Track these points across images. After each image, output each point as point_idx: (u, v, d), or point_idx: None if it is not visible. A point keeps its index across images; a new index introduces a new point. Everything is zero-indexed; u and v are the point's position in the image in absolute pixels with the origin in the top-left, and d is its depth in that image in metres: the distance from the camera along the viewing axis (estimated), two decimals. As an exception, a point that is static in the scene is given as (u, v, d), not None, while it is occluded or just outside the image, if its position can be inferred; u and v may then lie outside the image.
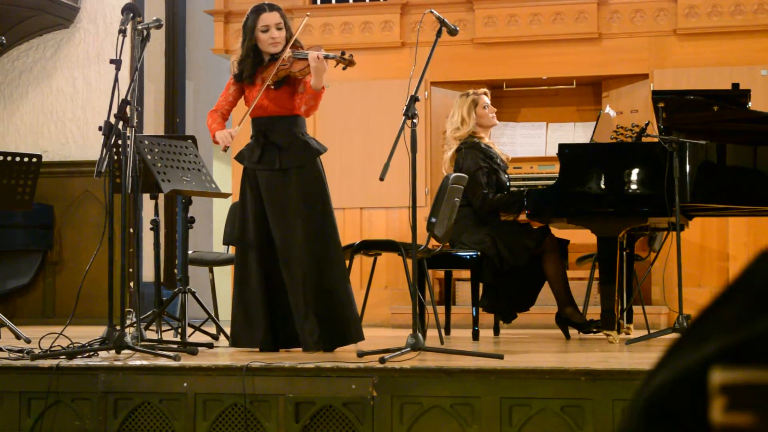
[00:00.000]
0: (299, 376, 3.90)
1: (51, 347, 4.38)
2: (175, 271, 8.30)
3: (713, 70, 7.21)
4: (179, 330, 5.22)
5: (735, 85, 5.56)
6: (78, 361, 4.12)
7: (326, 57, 4.65)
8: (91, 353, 4.28)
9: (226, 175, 8.81)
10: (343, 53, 4.72)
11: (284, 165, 4.76)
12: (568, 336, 5.80)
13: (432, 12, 4.70)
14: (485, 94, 6.02)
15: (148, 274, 7.80)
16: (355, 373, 3.86)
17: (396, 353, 4.07)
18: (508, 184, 6.00)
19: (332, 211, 4.86)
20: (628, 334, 5.80)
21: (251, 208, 4.81)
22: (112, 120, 4.36)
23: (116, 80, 4.47)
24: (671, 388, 0.64)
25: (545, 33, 7.53)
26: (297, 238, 4.71)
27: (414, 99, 4.34)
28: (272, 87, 4.77)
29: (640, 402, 0.66)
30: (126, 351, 4.27)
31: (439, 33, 4.59)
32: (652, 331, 5.43)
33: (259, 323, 4.72)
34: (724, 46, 7.30)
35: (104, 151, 4.27)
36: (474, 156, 5.84)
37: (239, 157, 4.90)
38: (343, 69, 4.78)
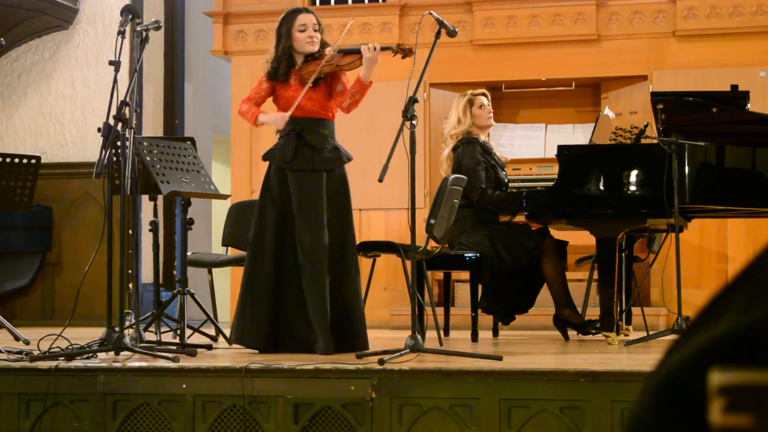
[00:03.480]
0: (298, 377, 3.90)
1: (50, 349, 4.37)
2: (174, 272, 8.30)
3: (712, 71, 7.21)
4: (178, 331, 5.21)
5: (734, 87, 5.56)
6: (77, 363, 4.12)
7: (382, 48, 4.68)
8: (90, 355, 4.27)
9: (225, 177, 8.81)
10: (399, 44, 4.75)
11: (318, 166, 4.78)
12: (566, 337, 5.80)
13: (431, 13, 4.70)
14: (483, 94, 6.03)
15: (147, 275, 7.80)
16: (354, 375, 3.86)
17: (395, 355, 4.07)
18: (506, 180, 6.01)
19: (353, 218, 4.90)
20: (627, 335, 5.81)
21: (274, 207, 4.79)
22: (111, 121, 4.36)
23: (115, 82, 4.47)
24: (683, 369, 0.64)
25: (544, 34, 7.53)
26: (324, 239, 4.72)
27: (413, 100, 4.34)
28: (311, 85, 4.80)
29: (652, 384, 0.66)
30: (125, 352, 4.27)
31: (438, 34, 4.59)
32: (651, 333, 5.43)
33: (264, 324, 4.71)
34: (722, 48, 7.30)
35: (103, 152, 4.27)
36: (472, 150, 5.85)
37: (269, 156, 4.88)
38: (402, 58, 4.80)
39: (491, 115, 6.04)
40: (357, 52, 4.75)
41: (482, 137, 6.01)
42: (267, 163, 4.94)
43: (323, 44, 4.90)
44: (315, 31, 4.87)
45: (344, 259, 4.78)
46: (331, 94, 4.88)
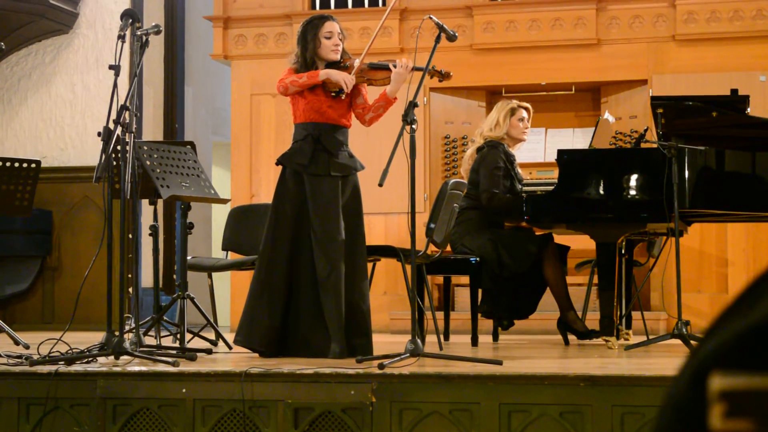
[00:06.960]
0: (298, 381, 3.89)
1: (50, 353, 4.37)
2: (174, 276, 8.29)
3: (712, 75, 7.22)
4: (178, 336, 5.21)
5: (734, 91, 5.56)
6: (77, 367, 4.12)
7: (416, 69, 4.67)
8: (90, 359, 4.27)
9: (225, 181, 8.81)
10: (434, 66, 4.76)
11: (334, 171, 4.80)
12: (567, 341, 5.80)
13: (431, 18, 4.70)
14: (526, 109, 6.05)
15: (146, 279, 7.79)
16: (354, 379, 3.86)
17: (395, 359, 4.06)
18: (522, 195, 5.98)
19: (364, 226, 4.92)
20: (627, 339, 5.80)
21: (291, 211, 4.80)
22: (111, 126, 4.36)
23: (115, 86, 4.47)
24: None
25: (544, 39, 7.54)
26: (341, 237, 4.74)
27: (413, 104, 4.34)
28: (332, 95, 4.81)
29: (688, 370, 0.65)
30: (125, 357, 4.26)
31: (438, 39, 4.59)
32: (651, 337, 5.42)
33: (276, 328, 4.71)
34: (722, 52, 7.30)
35: (103, 156, 4.27)
36: (495, 155, 5.86)
37: (284, 161, 4.88)
38: (439, 81, 4.88)
39: (527, 130, 6.05)
40: (388, 68, 4.79)
41: (510, 148, 6.02)
42: (279, 168, 4.94)
43: (343, 52, 4.92)
44: (339, 39, 4.89)
45: (354, 265, 4.79)
46: (351, 104, 4.92)
